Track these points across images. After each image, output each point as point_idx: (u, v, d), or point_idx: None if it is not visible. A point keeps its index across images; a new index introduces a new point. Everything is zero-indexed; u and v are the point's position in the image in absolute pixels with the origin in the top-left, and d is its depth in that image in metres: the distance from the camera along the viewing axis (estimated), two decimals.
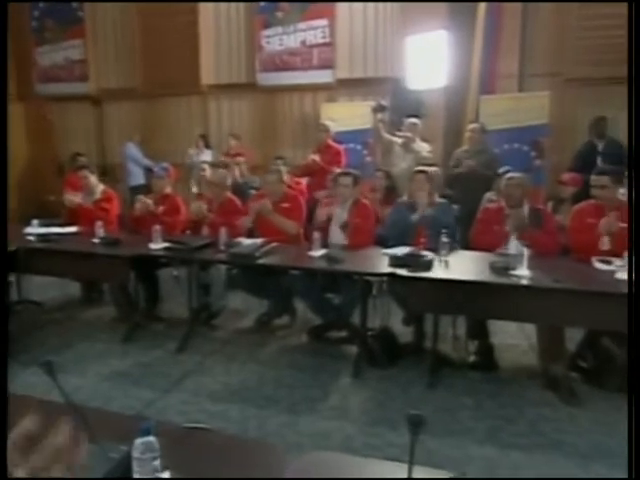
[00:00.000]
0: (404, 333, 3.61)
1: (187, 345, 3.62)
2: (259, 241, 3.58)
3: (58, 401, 1.35)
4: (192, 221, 4.15)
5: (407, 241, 3.49)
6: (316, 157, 5.33)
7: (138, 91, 7.55)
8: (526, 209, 3.48)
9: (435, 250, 3.24)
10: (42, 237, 3.96)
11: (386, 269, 3.11)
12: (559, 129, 5.77)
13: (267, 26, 6.90)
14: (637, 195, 3.01)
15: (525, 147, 5.70)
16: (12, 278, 4.10)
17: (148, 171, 6.70)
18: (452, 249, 3.35)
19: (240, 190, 4.88)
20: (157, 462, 1.23)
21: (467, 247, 3.61)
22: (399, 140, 5.14)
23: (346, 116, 6.29)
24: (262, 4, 6.87)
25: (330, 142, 5.55)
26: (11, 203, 5.87)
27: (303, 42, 6.81)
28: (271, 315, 3.99)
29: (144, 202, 4.18)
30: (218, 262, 3.80)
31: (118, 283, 3.89)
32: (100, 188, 4.54)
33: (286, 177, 4.17)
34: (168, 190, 4.37)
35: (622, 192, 3.67)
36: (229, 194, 4.26)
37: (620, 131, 5.64)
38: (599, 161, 5.09)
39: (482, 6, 6.02)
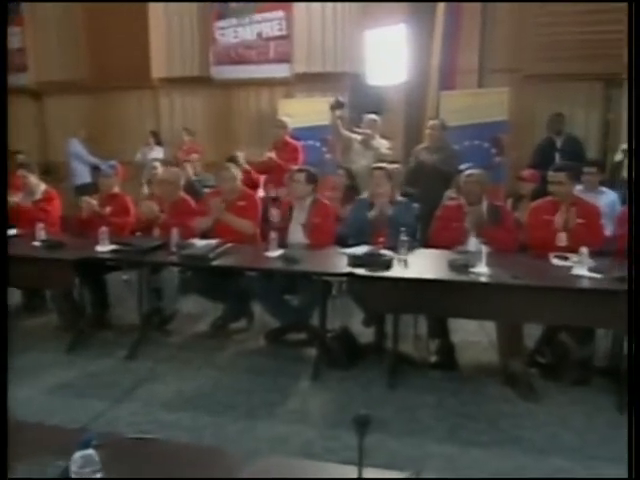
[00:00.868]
0: (365, 333, 3.56)
1: (138, 352, 3.46)
2: (213, 242, 3.46)
3: None
4: (142, 222, 3.98)
5: (367, 240, 3.45)
6: (273, 154, 5.21)
7: (83, 84, 7.18)
8: (485, 206, 3.47)
9: (395, 249, 3.19)
10: None
11: (345, 269, 3.06)
12: (518, 125, 5.82)
13: (221, 17, 6.70)
14: (637, 195, 3.03)
15: (485, 144, 5.72)
16: None
17: (95, 169, 6.42)
18: (412, 247, 3.31)
19: (193, 189, 4.73)
20: (98, 475, 1.21)
21: (428, 245, 3.59)
22: (358, 137, 5.08)
23: (304, 112, 6.18)
24: None
25: (287, 139, 5.43)
26: None
27: (259, 34, 6.66)
28: (227, 319, 3.86)
29: (89, 203, 4.00)
30: (170, 264, 3.64)
31: (61, 289, 3.68)
32: (41, 188, 4.32)
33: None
34: (116, 189, 4.20)
35: (579, 188, 3.72)
36: (182, 193, 4.11)
37: (576, 127, 5.76)
38: (557, 157, 5.16)
39: (441, 6, 6.02)
